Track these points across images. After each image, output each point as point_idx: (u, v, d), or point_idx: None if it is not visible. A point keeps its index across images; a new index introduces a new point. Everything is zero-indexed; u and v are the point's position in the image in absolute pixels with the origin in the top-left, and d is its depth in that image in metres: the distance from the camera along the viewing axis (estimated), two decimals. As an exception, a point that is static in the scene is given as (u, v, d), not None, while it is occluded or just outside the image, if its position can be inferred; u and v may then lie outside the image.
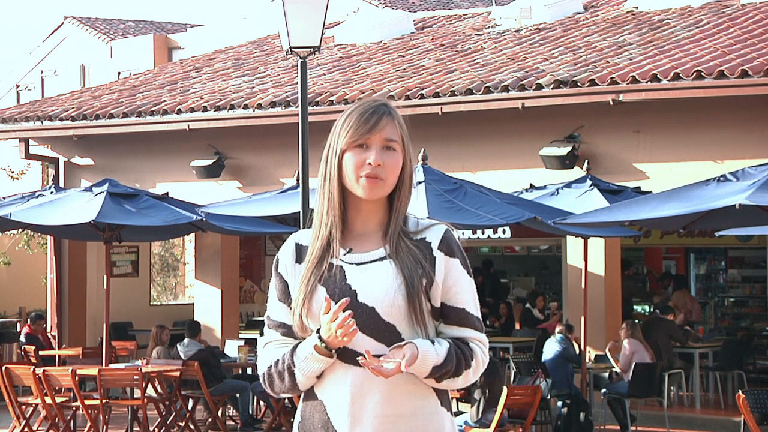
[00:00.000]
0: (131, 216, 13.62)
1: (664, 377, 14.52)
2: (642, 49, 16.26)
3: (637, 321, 16.06)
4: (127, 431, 13.74)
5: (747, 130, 14.70)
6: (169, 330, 15.19)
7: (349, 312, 3.23)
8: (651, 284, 20.88)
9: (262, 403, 15.32)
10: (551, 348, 14.06)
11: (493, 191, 13.01)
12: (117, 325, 19.35)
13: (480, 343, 3.42)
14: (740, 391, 11.07)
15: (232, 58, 22.23)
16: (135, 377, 13.03)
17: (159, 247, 27.05)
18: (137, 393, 13.47)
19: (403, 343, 3.31)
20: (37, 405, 13.73)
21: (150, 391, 13.66)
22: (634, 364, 13.96)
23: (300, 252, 3.47)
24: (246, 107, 17.33)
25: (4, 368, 13.52)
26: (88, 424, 13.35)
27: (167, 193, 15.45)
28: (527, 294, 20.71)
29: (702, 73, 14.14)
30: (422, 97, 15.84)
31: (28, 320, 18.16)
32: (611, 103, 14.72)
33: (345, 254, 3.40)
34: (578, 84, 14.93)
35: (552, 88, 15.07)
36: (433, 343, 3.34)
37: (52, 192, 15.15)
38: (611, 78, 14.71)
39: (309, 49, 11.21)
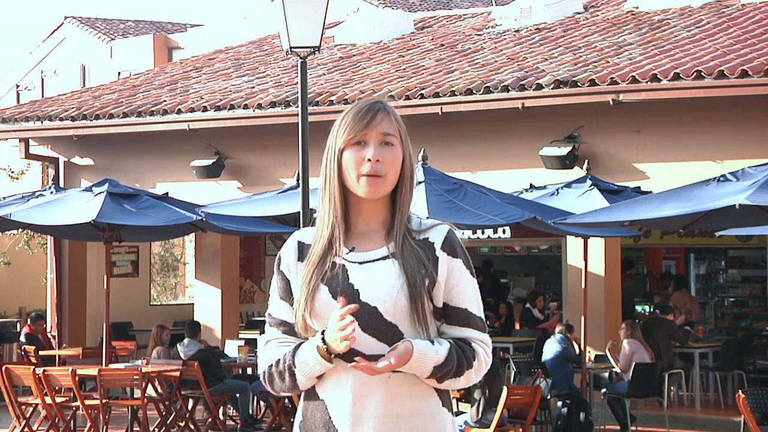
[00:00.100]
0: (131, 216, 13.62)
1: (664, 377, 14.52)
2: (642, 49, 16.26)
3: (637, 321, 16.06)
4: (127, 431, 13.73)
5: (747, 130, 14.70)
6: (170, 330, 15.19)
7: (352, 319, 3.23)
8: (651, 284, 20.88)
9: (262, 403, 15.32)
10: (551, 348, 14.06)
11: (493, 191, 13.01)
12: (117, 325, 19.35)
13: (482, 343, 3.42)
14: (740, 391, 11.07)
15: (232, 58, 22.23)
16: (135, 377, 13.02)
17: (159, 247, 27.06)
18: (137, 393, 13.46)
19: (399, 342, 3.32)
20: (37, 405, 13.73)
21: (150, 391, 13.66)
22: (634, 364, 13.96)
23: (302, 250, 3.46)
24: (246, 107, 17.33)
25: (4, 368, 13.52)
26: (88, 424, 13.35)
27: (167, 193, 15.45)
28: (527, 294, 20.70)
29: (702, 73, 14.14)
30: (422, 97, 15.84)
31: (28, 320, 18.16)
32: (611, 103, 14.73)
33: (348, 253, 3.40)
34: (578, 84, 14.93)
35: (552, 88, 15.07)
36: (433, 343, 3.34)
37: (52, 192, 15.15)
38: (611, 78, 14.71)
39: (309, 49, 11.21)
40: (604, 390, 14.23)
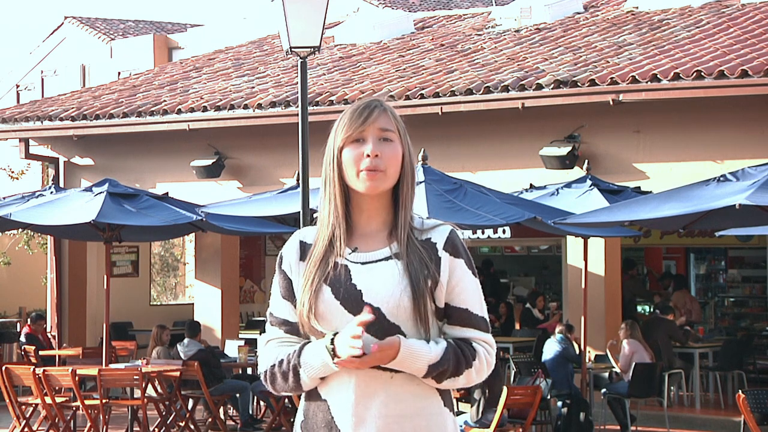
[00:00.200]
0: (131, 216, 13.62)
1: (664, 377, 14.52)
2: (642, 49, 16.26)
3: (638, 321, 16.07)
4: (127, 431, 13.73)
5: (747, 130, 14.70)
6: (170, 330, 15.19)
7: (364, 336, 3.21)
8: (651, 284, 20.88)
9: (262, 403, 15.32)
10: (551, 348, 14.06)
11: (493, 191, 13.01)
12: (117, 325, 19.35)
13: (484, 343, 3.41)
14: (740, 391, 11.06)
15: (232, 58, 22.23)
16: (135, 377, 13.02)
17: (159, 247, 27.06)
18: (137, 393, 13.46)
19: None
20: (37, 405, 13.73)
21: (150, 391, 13.66)
22: (634, 364, 13.96)
23: (304, 249, 3.45)
24: (246, 107, 17.33)
25: (4, 368, 13.52)
26: (88, 424, 13.35)
27: (167, 193, 15.45)
28: (527, 294, 20.70)
29: (702, 73, 14.14)
30: (422, 97, 15.84)
31: (28, 320, 18.16)
32: (611, 103, 14.73)
33: (350, 253, 3.39)
34: (578, 84, 14.93)
35: (552, 88, 15.07)
36: (428, 342, 3.34)
37: (52, 192, 15.15)
38: (611, 78, 14.71)
39: (309, 49, 11.21)
40: (604, 390, 14.23)
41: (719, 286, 21.18)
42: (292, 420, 13.28)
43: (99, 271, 18.67)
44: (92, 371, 13.22)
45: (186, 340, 14.58)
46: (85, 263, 19.98)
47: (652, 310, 18.98)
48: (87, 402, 13.43)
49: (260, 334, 12.66)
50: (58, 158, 20.12)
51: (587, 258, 14.01)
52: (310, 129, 11.37)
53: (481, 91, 15.49)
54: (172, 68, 22.76)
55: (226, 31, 29.83)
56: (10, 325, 21.05)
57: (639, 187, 14.49)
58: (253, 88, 18.54)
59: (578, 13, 20.12)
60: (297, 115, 11.77)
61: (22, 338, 17.78)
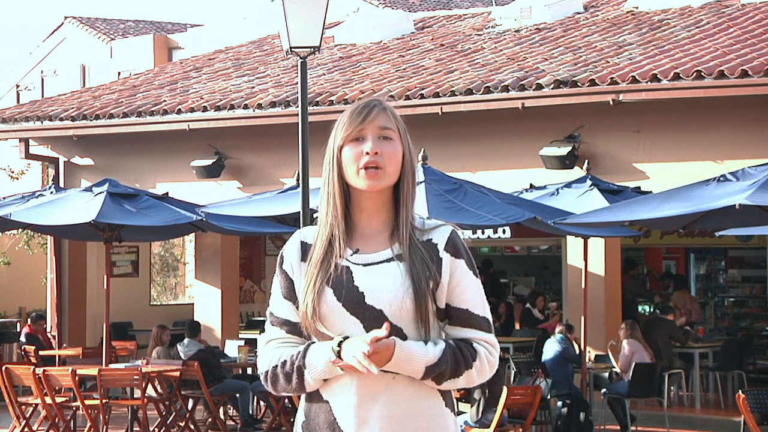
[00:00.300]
0: (131, 216, 13.62)
1: (664, 377, 14.52)
2: (642, 49, 16.26)
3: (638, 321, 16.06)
4: (127, 431, 13.73)
5: (747, 130, 14.70)
6: (170, 330, 15.19)
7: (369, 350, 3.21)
8: (651, 284, 20.88)
9: (262, 403, 15.32)
10: (551, 348, 14.06)
11: (493, 191, 13.01)
12: (117, 325, 19.35)
13: (486, 344, 3.40)
14: (740, 391, 11.06)
15: (232, 58, 22.23)
16: (135, 377, 13.02)
17: (159, 247, 27.06)
18: (137, 393, 13.46)
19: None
20: (37, 405, 13.72)
21: (150, 391, 13.66)
22: (634, 364, 13.96)
23: (305, 249, 3.44)
24: (246, 107, 17.33)
25: (4, 368, 13.52)
26: (88, 424, 13.35)
27: (167, 193, 15.45)
28: (527, 294, 20.70)
29: (702, 73, 14.14)
30: (422, 97, 15.84)
31: (28, 320, 18.16)
32: (611, 103, 14.73)
33: (352, 255, 3.39)
34: (578, 84, 14.93)
35: (552, 88, 15.07)
36: (427, 343, 3.33)
37: (52, 192, 15.15)
38: (611, 78, 14.71)
39: (309, 49, 11.21)
40: (604, 390, 14.23)
41: (719, 286, 21.18)
42: (292, 420, 13.28)
43: (99, 271, 18.67)
44: (92, 371, 13.22)
45: (186, 340, 14.59)
46: (85, 263, 19.98)
47: (652, 310, 18.98)
48: (87, 402, 13.42)
49: (260, 334, 12.66)
50: (58, 158, 20.12)
51: (587, 258, 14.01)
52: (310, 129, 11.37)
53: (481, 91, 15.49)
54: (172, 68, 22.76)
55: (226, 31, 29.83)
56: (10, 325, 21.05)
57: (639, 187, 14.49)
58: (253, 88, 18.54)
59: (578, 13, 20.12)
60: (297, 115, 11.77)
61: (22, 338, 17.78)
